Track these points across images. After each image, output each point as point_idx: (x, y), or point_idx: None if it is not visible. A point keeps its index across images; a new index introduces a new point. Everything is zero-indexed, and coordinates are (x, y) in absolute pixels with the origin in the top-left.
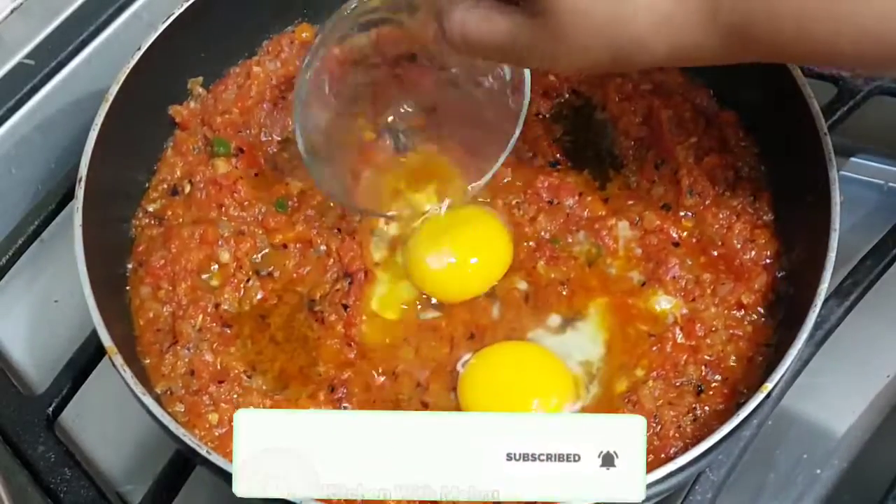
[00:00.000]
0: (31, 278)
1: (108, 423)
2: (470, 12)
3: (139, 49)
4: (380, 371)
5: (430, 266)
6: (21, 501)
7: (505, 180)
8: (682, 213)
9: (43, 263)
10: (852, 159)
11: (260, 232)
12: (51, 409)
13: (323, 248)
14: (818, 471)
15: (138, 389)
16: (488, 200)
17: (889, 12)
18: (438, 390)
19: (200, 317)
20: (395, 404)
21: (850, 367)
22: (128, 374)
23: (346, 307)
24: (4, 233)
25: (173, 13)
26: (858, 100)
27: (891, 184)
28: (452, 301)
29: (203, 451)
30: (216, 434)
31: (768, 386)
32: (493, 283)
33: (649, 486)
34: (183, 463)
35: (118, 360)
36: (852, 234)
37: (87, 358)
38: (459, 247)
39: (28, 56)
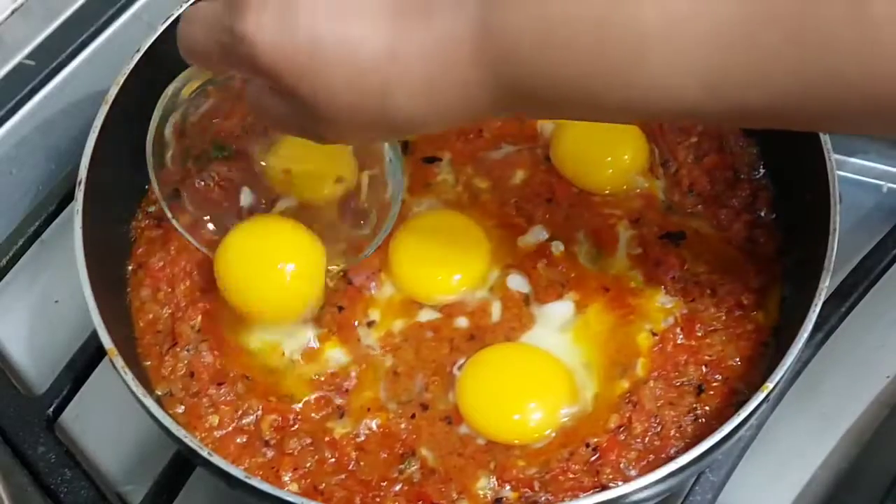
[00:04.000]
0: (31, 278)
1: (108, 423)
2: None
3: (138, 51)
4: (380, 373)
5: (405, 270)
6: (21, 501)
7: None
8: (682, 213)
9: (43, 263)
10: (852, 159)
11: None
12: (51, 409)
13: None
14: (818, 471)
15: (139, 392)
16: (487, 198)
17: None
18: (437, 391)
19: (199, 317)
20: (395, 406)
21: (851, 368)
22: (129, 377)
23: (341, 308)
24: (4, 233)
25: (172, 14)
26: None
27: (891, 184)
28: (430, 300)
29: (204, 454)
30: (216, 436)
31: (769, 386)
32: (469, 285)
33: (650, 486)
34: (183, 463)
35: (119, 362)
36: (852, 234)
37: (87, 358)
38: (430, 251)
39: (28, 56)
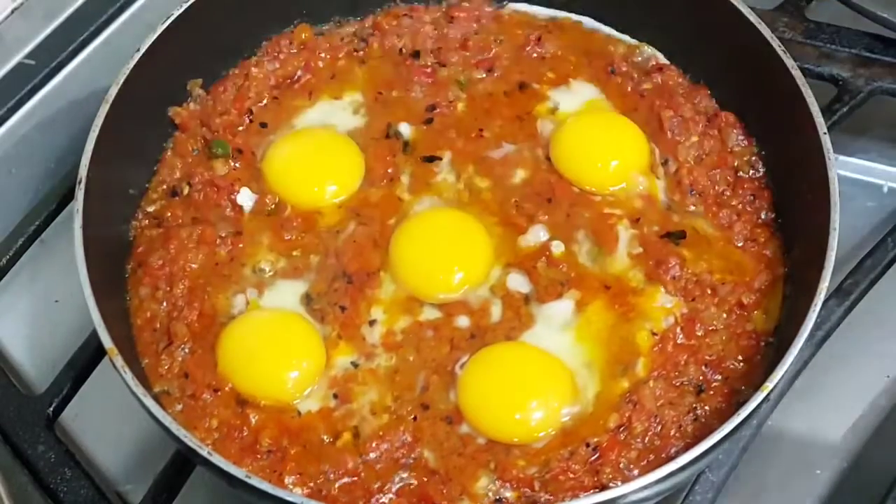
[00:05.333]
0: (31, 278)
1: (108, 423)
2: None
3: (138, 51)
4: (381, 373)
5: (409, 269)
6: (21, 501)
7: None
8: (683, 212)
9: (43, 263)
10: (852, 160)
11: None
12: (51, 409)
13: (315, 246)
14: (818, 471)
15: (139, 391)
16: (488, 197)
17: None
18: (438, 391)
19: (196, 316)
20: (396, 409)
21: (850, 368)
22: (128, 376)
23: (343, 308)
24: (4, 233)
25: (172, 14)
26: (858, 100)
27: (891, 184)
28: (432, 298)
29: (204, 453)
30: (216, 437)
31: (769, 385)
32: (471, 283)
33: (650, 485)
34: (183, 463)
35: (119, 361)
36: (852, 234)
37: (87, 358)
38: (433, 249)
39: (28, 56)
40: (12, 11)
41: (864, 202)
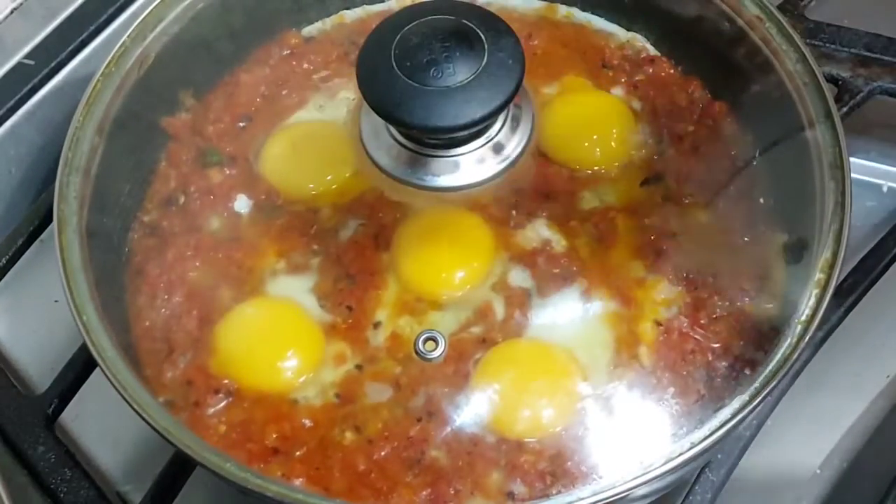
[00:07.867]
0: (31, 278)
1: (108, 423)
2: None
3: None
4: (384, 378)
5: (412, 267)
6: (21, 501)
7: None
8: (679, 202)
9: (43, 264)
10: (852, 159)
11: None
12: (51, 409)
13: (316, 248)
14: (818, 471)
15: (136, 405)
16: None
17: None
18: (444, 399)
19: (195, 324)
20: (404, 416)
21: (851, 368)
22: (126, 392)
23: (350, 308)
24: (4, 233)
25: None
26: (858, 100)
27: (890, 184)
28: (436, 297)
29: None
30: (225, 445)
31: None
32: (473, 282)
33: (657, 477)
34: (183, 463)
35: (115, 375)
36: (852, 234)
37: (87, 358)
38: (436, 247)
39: (28, 56)
40: (12, 11)
41: (864, 202)
